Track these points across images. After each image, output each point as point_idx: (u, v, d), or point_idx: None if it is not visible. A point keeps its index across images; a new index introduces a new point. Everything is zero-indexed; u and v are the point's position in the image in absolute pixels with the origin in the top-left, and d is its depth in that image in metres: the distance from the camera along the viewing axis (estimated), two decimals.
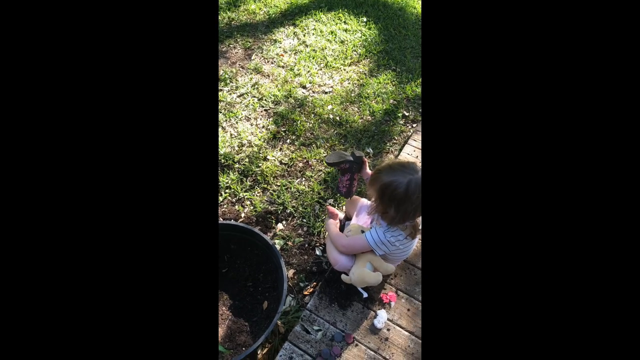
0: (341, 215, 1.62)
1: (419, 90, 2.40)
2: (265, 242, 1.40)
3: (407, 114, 2.27)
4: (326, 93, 2.38)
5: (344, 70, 2.53)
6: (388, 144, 2.10)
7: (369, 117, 2.24)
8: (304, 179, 1.92)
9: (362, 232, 1.26)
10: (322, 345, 1.16)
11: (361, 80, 2.47)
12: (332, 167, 1.46)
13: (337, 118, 2.21)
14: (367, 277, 1.18)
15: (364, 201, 1.48)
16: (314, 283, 1.57)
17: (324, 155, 2.02)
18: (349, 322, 1.22)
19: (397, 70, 2.55)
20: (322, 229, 1.74)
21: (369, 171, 1.46)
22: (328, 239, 1.36)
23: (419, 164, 1.12)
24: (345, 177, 1.46)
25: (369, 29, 2.87)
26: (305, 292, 1.55)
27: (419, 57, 2.67)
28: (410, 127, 2.21)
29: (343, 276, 1.25)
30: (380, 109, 2.27)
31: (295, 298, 1.47)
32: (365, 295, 1.26)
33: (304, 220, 1.76)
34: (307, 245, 1.69)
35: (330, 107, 2.27)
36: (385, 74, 2.50)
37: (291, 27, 2.84)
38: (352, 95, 2.37)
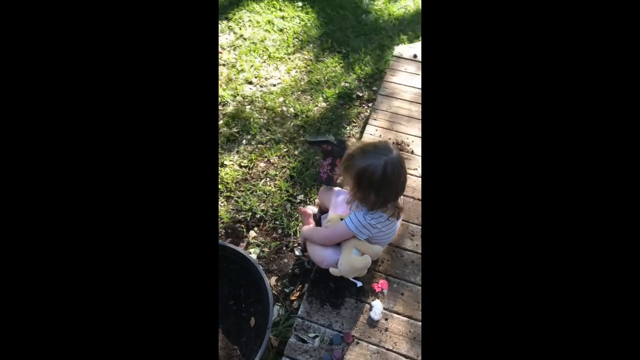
0: (314, 209, 1.54)
1: (367, 68, 2.35)
2: (239, 255, 1.29)
3: (360, 95, 2.21)
4: (275, 85, 2.27)
5: (289, 59, 2.42)
6: (348, 128, 2.03)
7: (323, 104, 2.16)
8: (268, 179, 1.81)
9: (342, 219, 1.18)
10: (322, 352, 1.09)
11: (308, 67, 2.37)
12: (313, 145, 1.38)
13: (292, 109, 2.11)
14: (356, 262, 1.11)
15: (338, 190, 1.40)
16: (300, 285, 1.48)
17: (285, 150, 1.91)
18: (345, 321, 1.15)
19: (342, 52, 2.48)
20: (298, 228, 1.65)
21: None
22: (307, 232, 1.28)
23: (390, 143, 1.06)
24: (326, 162, 1.38)
25: (307, 13, 2.76)
26: (293, 297, 1.46)
27: (362, 34, 2.62)
28: (366, 107, 2.16)
29: (332, 269, 1.17)
30: (334, 93, 2.19)
31: (283, 306, 1.38)
32: (359, 284, 1.19)
33: (277, 223, 1.66)
34: (284, 248, 1.59)
35: (281, 99, 2.16)
36: (332, 57, 2.43)
37: (225, 22, 2.67)
38: (302, 83, 2.27)
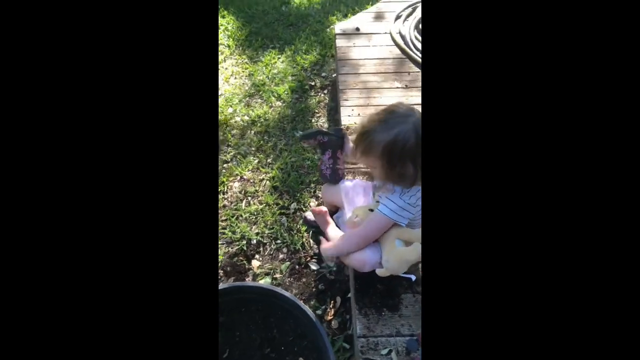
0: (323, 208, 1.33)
1: (309, 57, 2.20)
2: (254, 289, 1.06)
3: (313, 84, 2.05)
4: (219, 97, 2.02)
5: (223, 68, 2.18)
6: (313, 120, 1.86)
7: (278, 103, 1.96)
8: (249, 197, 1.57)
9: (371, 210, 1.01)
10: None
11: (247, 70, 2.15)
12: (305, 141, 1.17)
13: (246, 117, 1.88)
14: (407, 254, 0.94)
15: (347, 184, 1.22)
16: (331, 302, 1.28)
17: (257, 162, 1.69)
18: (412, 321, 0.98)
19: (276, 47, 2.31)
20: (305, 240, 1.44)
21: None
22: (337, 248, 1.08)
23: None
24: (326, 156, 1.18)
25: (223, 17, 2.53)
26: (329, 317, 1.25)
27: (290, 25, 2.47)
28: (322, 95, 2.01)
29: (378, 271, 0.99)
30: (285, 89, 2.01)
31: (331, 334, 1.17)
32: (413, 277, 1.03)
33: (279, 242, 1.43)
34: (297, 267, 1.38)
35: (230, 110, 1.92)
36: (268, 54, 2.24)
37: None
38: (247, 88, 2.05)
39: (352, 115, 1.55)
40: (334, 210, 1.33)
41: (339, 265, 1.39)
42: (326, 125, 1.83)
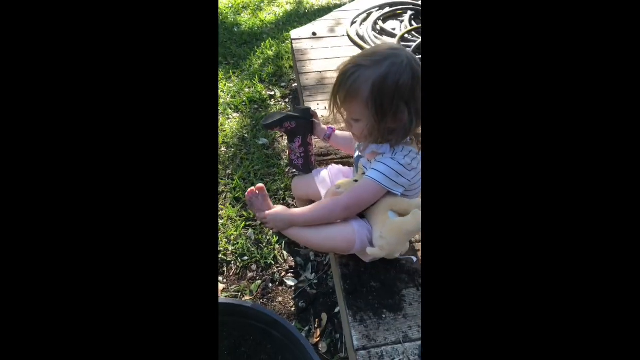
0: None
1: (267, 69, 2.09)
2: (228, 307, 0.82)
3: (272, 94, 1.92)
4: None
5: None
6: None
7: (235, 115, 1.80)
8: None
9: (356, 182, 0.82)
10: None
11: None
12: (271, 129, 0.98)
13: None
14: (406, 224, 0.73)
15: (322, 172, 1.04)
16: (316, 320, 1.05)
17: None
18: (419, 320, 0.78)
19: (230, 62, 2.18)
20: (277, 252, 1.21)
21: (324, 127, 1.03)
22: (304, 216, 0.85)
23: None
24: (296, 144, 1.00)
25: None
26: (316, 339, 1.01)
27: (244, 44, 2.38)
28: (284, 102, 1.87)
29: (370, 250, 0.77)
30: (242, 100, 1.85)
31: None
32: (414, 259, 0.83)
33: (246, 259, 1.20)
34: (271, 285, 1.14)
35: None
36: (222, 70, 2.10)
37: None
38: None
39: (319, 109, 1.41)
40: (307, 203, 1.13)
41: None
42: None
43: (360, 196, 0.78)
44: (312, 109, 1.04)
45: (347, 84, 0.72)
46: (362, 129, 0.76)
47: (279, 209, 0.90)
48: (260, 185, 0.92)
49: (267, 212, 0.89)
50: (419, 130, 0.79)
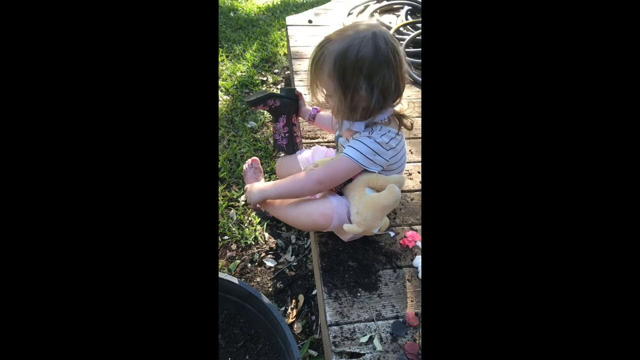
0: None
1: (260, 54, 2.07)
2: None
3: (264, 79, 1.91)
4: None
5: None
6: (266, 113, 1.69)
7: (226, 97, 1.78)
8: None
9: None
10: (390, 355, 0.69)
11: None
12: (254, 106, 0.97)
13: None
14: (382, 199, 0.73)
15: (306, 153, 1.03)
16: (293, 300, 1.05)
17: None
18: (395, 300, 0.78)
19: (224, 46, 2.16)
20: (258, 233, 1.20)
21: (309, 108, 1.03)
22: (276, 188, 0.85)
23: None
24: (280, 123, 0.99)
25: None
26: (290, 320, 1.01)
27: (239, 29, 2.35)
28: (275, 88, 1.86)
29: (347, 227, 0.77)
30: (232, 84, 1.84)
31: (302, 332, 0.92)
32: (392, 234, 0.83)
33: (226, 238, 1.19)
34: (250, 265, 1.13)
35: None
36: None
37: None
38: None
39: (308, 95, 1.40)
40: None
41: (265, 215, 1.16)
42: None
43: (334, 171, 0.77)
44: (297, 90, 1.04)
45: (316, 58, 0.73)
46: (334, 105, 0.76)
47: (255, 183, 0.90)
48: (255, 158, 0.93)
49: (246, 186, 0.89)
50: (398, 109, 0.79)
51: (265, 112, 1.66)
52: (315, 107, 1.04)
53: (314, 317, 1.01)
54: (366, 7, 2.06)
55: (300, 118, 1.07)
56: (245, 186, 0.89)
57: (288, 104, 0.99)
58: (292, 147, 1.04)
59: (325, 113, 1.04)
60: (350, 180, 0.79)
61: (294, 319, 1.01)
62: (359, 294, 0.78)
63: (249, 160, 0.93)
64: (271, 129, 1.58)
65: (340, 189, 0.83)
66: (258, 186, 0.86)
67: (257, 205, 0.86)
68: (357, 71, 0.69)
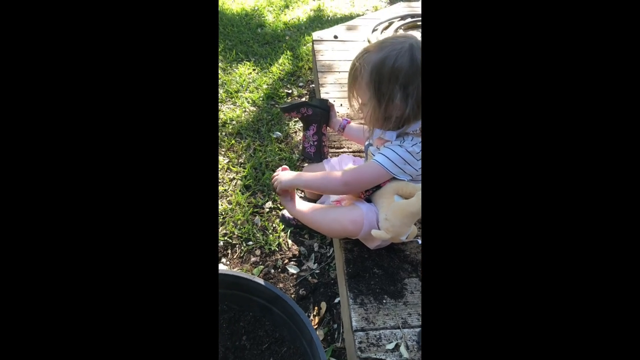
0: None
1: (286, 68, 2.13)
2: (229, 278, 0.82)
3: (289, 92, 1.96)
4: None
5: None
6: (290, 124, 1.73)
7: (252, 108, 1.83)
8: (218, 196, 1.36)
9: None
10: None
11: (220, 80, 2.04)
12: (287, 113, 1.01)
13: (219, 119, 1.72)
14: (410, 206, 0.74)
15: (332, 160, 1.06)
16: (315, 308, 1.05)
17: (227, 161, 1.50)
18: (420, 308, 0.78)
19: (251, 60, 2.23)
20: (282, 240, 1.22)
21: (339, 119, 1.06)
22: (307, 182, 0.86)
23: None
24: (310, 132, 1.02)
25: None
26: (314, 326, 1.01)
27: (266, 43, 2.43)
28: (305, 99, 1.91)
29: (375, 233, 0.78)
30: (259, 96, 1.89)
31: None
32: (419, 241, 0.83)
33: (250, 244, 1.21)
34: (273, 270, 1.15)
35: None
36: (242, 66, 2.15)
37: None
38: (218, 96, 1.92)
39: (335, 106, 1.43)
40: (316, 198, 1.15)
41: (289, 222, 1.17)
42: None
43: (362, 175, 0.79)
44: (330, 101, 1.07)
45: (354, 69, 0.76)
46: (368, 114, 0.78)
47: (284, 172, 0.93)
48: (285, 166, 0.98)
49: (275, 173, 0.93)
50: None
51: (291, 123, 1.70)
52: (345, 118, 1.07)
53: (335, 325, 1.01)
54: (390, 23, 2.11)
55: (330, 129, 1.09)
56: (275, 173, 0.93)
57: (320, 114, 1.02)
58: (320, 156, 1.06)
59: (355, 125, 1.06)
60: (379, 187, 0.80)
61: (316, 326, 1.01)
62: (384, 301, 0.78)
63: (279, 169, 0.96)
64: (295, 139, 1.61)
65: (368, 196, 0.84)
66: (288, 174, 0.89)
67: (281, 190, 0.88)
68: (392, 80, 0.71)
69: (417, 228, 0.93)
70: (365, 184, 0.80)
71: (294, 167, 1.47)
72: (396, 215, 0.74)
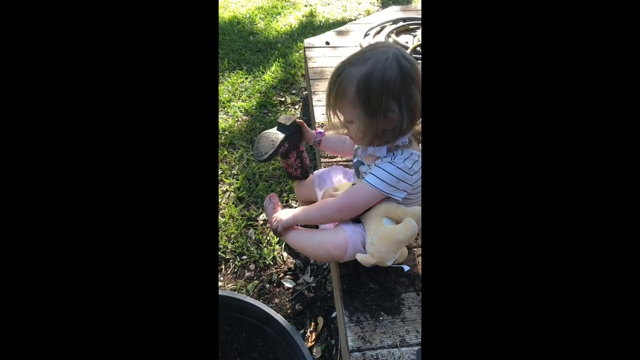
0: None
1: (278, 75, 2.11)
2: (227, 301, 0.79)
3: (282, 100, 1.94)
4: None
5: None
6: None
7: (244, 117, 1.81)
8: None
9: (354, 185, 0.81)
10: None
11: None
12: (267, 162, 0.96)
13: None
14: (397, 232, 0.70)
15: (319, 170, 1.03)
16: (312, 323, 1.02)
17: (220, 173, 1.48)
18: (420, 325, 0.75)
19: (243, 68, 2.22)
20: (277, 253, 1.19)
21: (312, 132, 1.01)
22: (295, 217, 0.83)
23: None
24: (291, 159, 0.99)
25: None
26: (309, 343, 0.98)
27: (258, 51, 2.42)
28: (294, 109, 1.89)
29: (360, 257, 0.74)
30: (252, 104, 1.87)
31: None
32: (406, 268, 0.80)
33: (244, 258, 1.18)
34: (268, 285, 1.12)
35: None
36: (235, 75, 2.13)
37: None
38: None
39: (324, 115, 1.41)
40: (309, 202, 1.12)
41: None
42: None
43: (355, 199, 0.76)
44: (296, 116, 1.02)
45: (334, 85, 0.71)
46: (356, 131, 0.74)
47: (282, 210, 0.90)
48: (273, 193, 0.94)
49: (273, 215, 0.88)
50: (419, 128, 0.77)
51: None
52: (319, 130, 1.02)
53: (333, 341, 0.98)
54: (382, 28, 2.09)
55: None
56: (272, 216, 0.88)
57: (295, 140, 0.97)
58: (306, 173, 1.03)
59: (332, 135, 1.01)
60: (370, 208, 0.77)
61: (313, 343, 0.98)
62: (381, 318, 0.76)
63: (267, 197, 0.93)
64: None
65: (357, 217, 0.81)
66: (286, 213, 0.85)
67: (281, 231, 0.85)
68: (385, 93, 0.68)
69: (415, 245, 0.91)
70: (359, 207, 0.77)
71: (287, 177, 1.45)
72: (382, 241, 0.71)
